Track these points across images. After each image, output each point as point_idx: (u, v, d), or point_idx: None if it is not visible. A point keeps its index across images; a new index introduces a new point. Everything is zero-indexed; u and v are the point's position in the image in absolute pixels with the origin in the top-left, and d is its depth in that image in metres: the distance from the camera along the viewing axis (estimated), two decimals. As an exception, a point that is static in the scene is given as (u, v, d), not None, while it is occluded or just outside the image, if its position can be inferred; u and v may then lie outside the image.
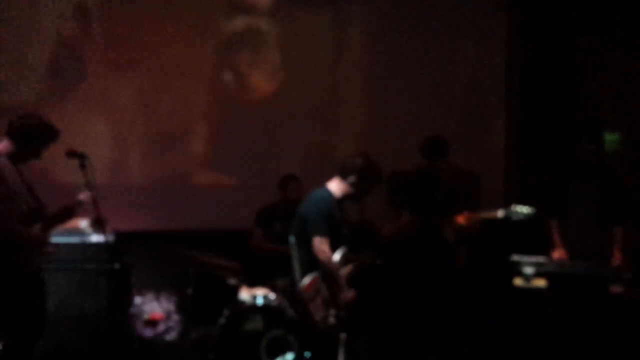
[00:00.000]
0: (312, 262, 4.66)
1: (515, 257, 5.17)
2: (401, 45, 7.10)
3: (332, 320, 4.64)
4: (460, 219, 5.49)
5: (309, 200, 4.81)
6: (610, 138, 6.22)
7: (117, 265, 5.34)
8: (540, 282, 5.14)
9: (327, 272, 4.65)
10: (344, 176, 4.77)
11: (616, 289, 5.07)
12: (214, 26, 6.90)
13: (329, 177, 4.87)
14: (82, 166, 4.39)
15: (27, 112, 4.46)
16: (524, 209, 5.34)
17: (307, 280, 4.66)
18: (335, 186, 4.80)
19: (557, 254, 5.35)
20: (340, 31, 7.18)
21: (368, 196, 4.89)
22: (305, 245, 4.67)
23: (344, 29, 7.19)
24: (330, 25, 7.16)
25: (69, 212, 4.45)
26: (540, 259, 5.18)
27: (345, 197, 4.82)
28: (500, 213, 5.39)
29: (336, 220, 4.73)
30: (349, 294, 4.70)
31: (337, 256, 4.72)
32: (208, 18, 6.87)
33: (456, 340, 5.62)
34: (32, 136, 4.29)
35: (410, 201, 5.74)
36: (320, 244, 4.62)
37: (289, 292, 5.07)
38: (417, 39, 7.12)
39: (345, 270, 4.77)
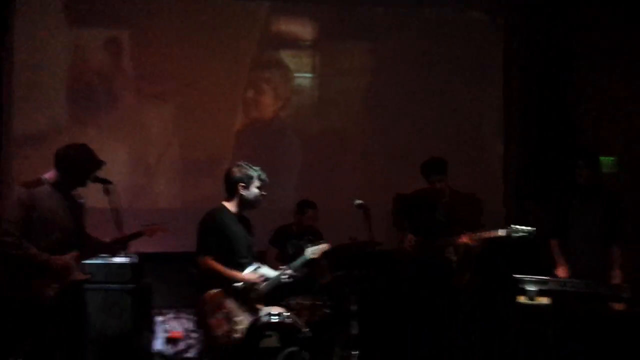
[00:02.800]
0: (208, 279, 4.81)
1: (519, 276, 5.30)
2: (402, 74, 7.36)
3: (237, 335, 4.73)
4: (464, 239, 5.65)
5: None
6: (606, 161, 6.37)
7: (139, 285, 5.52)
8: (544, 300, 5.28)
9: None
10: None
11: (616, 306, 5.20)
12: (247, 57, 7.14)
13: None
14: (107, 191, 4.56)
15: (74, 143, 4.62)
16: (523, 228, 5.48)
17: (208, 293, 4.79)
18: (228, 203, 4.99)
19: (560, 272, 5.50)
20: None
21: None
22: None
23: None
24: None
25: (116, 246, 4.66)
26: (542, 277, 5.31)
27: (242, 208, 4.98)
28: (501, 232, 5.53)
29: (230, 235, 4.87)
30: (252, 276, 4.85)
31: (248, 271, 4.90)
32: (241, 49, 7.12)
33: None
34: (76, 165, 4.48)
35: (412, 222, 5.94)
36: (204, 262, 4.80)
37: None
38: (417, 67, 7.38)
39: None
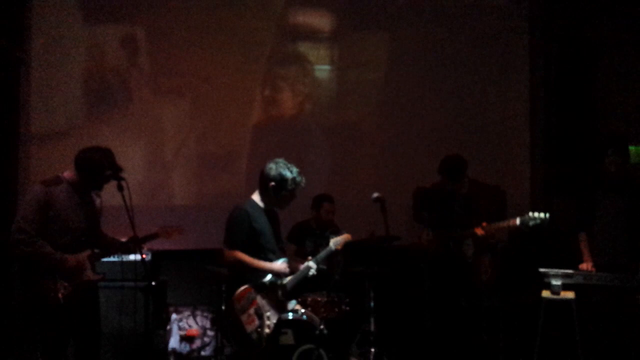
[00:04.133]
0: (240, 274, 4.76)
1: (543, 270, 5.21)
2: (423, 64, 7.22)
3: (267, 331, 4.71)
4: (479, 231, 5.55)
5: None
6: (636, 150, 6.21)
7: (153, 283, 5.45)
8: (569, 294, 5.17)
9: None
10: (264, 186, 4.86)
11: (644, 299, 5.07)
12: (264, 50, 7.06)
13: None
14: (120, 188, 4.46)
15: (96, 145, 4.58)
16: (540, 215, 5.35)
17: (238, 291, 4.74)
18: (257, 196, 4.92)
19: (585, 266, 5.37)
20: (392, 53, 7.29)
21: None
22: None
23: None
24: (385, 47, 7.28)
25: (131, 245, 4.60)
26: (568, 271, 5.20)
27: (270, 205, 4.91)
28: (517, 221, 5.41)
29: (258, 229, 4.80)
30: (281, 266, 4.81)
31: (278, 262, 4.86)
32: (259, 42, 7.05)
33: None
34: (95, 170, 4.46)
35: (431, 216, 5.83)
36: (230, 255, 4.74)
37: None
38: (438, 58, 7.23)
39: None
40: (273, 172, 4.83)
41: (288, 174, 4.82)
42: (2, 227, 4.87)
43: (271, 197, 4.87)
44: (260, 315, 4.75)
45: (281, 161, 4.89)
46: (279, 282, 4.87)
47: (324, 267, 5.24)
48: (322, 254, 5.14)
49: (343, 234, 5.34)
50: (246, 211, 4.83)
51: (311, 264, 5.00)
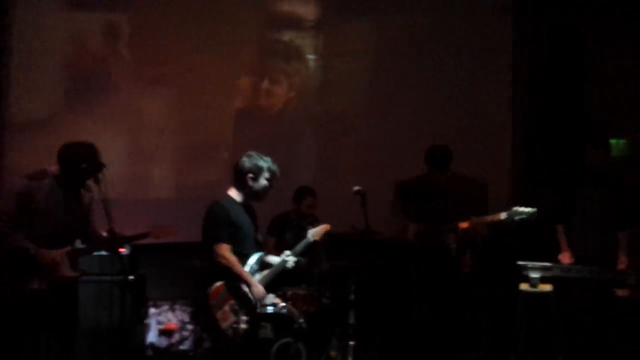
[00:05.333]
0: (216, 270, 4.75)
1: (521, 262, 5.21)
2: (407, 55, 7.18)
3: (242, 326, 4.69)
4: (463, 224, 5.54)
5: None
6: (617, 143, 6.21)
7: (131, 277, 5.45)
8: (546, 287, 5.18)
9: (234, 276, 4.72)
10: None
11: (620, 292, 5.09)
12: (248, 40, 7.00)
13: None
14: (96, 180, 4.42)
15: (78, 141, 4.54)
16: (525, 210, 5.35)
17: (213, 287, 4.73)
18: (234, 192, 4.90)
19: (564, 257, 5.38)
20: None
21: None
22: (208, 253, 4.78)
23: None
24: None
25: (116, 244, 4.57)
26: (546, 264, 5.21)
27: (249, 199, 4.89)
28: (503, 215, 5.41)
29: (238, 225, 4.79)
30: (260, 291, 4.78)
31: (252, 260, 4.84)
32: (244, 31, 6.97)
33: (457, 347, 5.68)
34: (75, 165, 4.43)
35: (411, 209, 5.81)
36: (220, 250, 4.72)
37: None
38: (423, 48, 7.19)
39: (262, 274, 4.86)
40: (247, 164, 4.84)
41: (263, 164, 4.84)
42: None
43: (248, 190, 4.86)
44: (235, 311, 4.73)
45: (254, 153, 4.90)
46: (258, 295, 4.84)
47: (302, 259, 5.21)
48: (300, 246, 5.14)
49: (321, 224, 5.32)
50: (224, 205, 4.82)
51: (288, 257, 4.99)
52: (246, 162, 4.85)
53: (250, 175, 4.83)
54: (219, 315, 4.69)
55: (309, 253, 5.60)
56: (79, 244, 4.63)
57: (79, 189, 4.57)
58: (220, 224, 4.76)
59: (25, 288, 4.32)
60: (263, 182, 4.85)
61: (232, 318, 4.70)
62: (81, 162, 4.41)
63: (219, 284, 4.76)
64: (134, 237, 4.73)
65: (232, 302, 4.73)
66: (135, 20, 6.81)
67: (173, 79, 6.86)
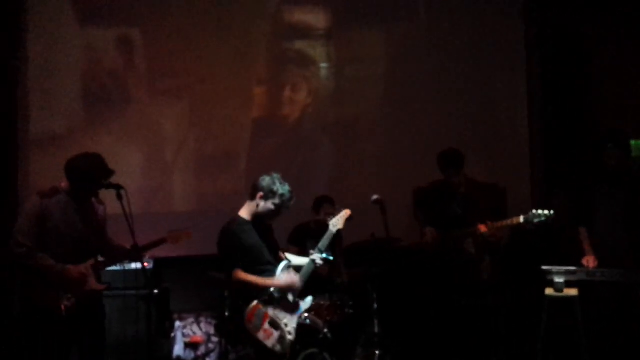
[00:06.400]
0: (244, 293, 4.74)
1: (546, 267, 5.20)
2: (420, 60, 7.19)
3: (289, 337, 4.69)
4: (482, 229, 5.51)
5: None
6: (637, 144, 6.18)
7: (156, 291, 5.47)
8: (572, 291, 5.16)
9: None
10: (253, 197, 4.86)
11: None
12: (261, 50, 7.03)
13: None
14: (119, 197, 4.42)
15: (84, 152, 4.55)
16: (542, 212, 5.32)
17: (247, 310, 4.69)
18: (245, 210, 4.90)
19: (587, 261, 5.33)
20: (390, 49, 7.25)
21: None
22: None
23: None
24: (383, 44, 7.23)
25: (134, 253, 4.56)
26: (570, 268, 5.19)
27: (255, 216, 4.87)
28: (521, 219, 5.38)
29: (249, 247, 4.78)
30: (289, 278, 4.77)
31: (279, 269, 4.83)
32: (257, 42, 7.00)
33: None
34: (84, 176, 4.43)
35: (430, 215, 5.81)
36: (238, 276, 4.71)
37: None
38: (435, 53, 7.19)
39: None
40: (263, 183, 4.85)
41: (278, 189, 4.82)
42: (3, 234, 4.86)
43: (257, 208, 4.86)
44: (276, 325, 4.71)
45: (276, 176, 4.88)
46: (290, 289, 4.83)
47: (330, 256, 5.18)
48: (324, 240, 5.06)
49: (341, 210, 5.23)
50: (232, 231, 4.81)
51: (315, 256, 4.97)
52: (264, 181, 4.86)
53: (261, 194, 4.84)
54: (260, 335, 4.66)
55: (335, 245, 5.57)
56: (99, 258, 4.64)
57: (92, 202, 4.59)
58: (229, 252, 4.78)
59: (56, 307, 4.34)
60: (269, 205, 4.83)
61: (276, 334, 4.68)
62: (92, 172, 4.42)
63: (254, 304, 4.72)
64: (152, 245, 4.75)
65: (270, 317, 4.70)
66: (148, 34, 6.86)
67: (188, 91, 6.89)
